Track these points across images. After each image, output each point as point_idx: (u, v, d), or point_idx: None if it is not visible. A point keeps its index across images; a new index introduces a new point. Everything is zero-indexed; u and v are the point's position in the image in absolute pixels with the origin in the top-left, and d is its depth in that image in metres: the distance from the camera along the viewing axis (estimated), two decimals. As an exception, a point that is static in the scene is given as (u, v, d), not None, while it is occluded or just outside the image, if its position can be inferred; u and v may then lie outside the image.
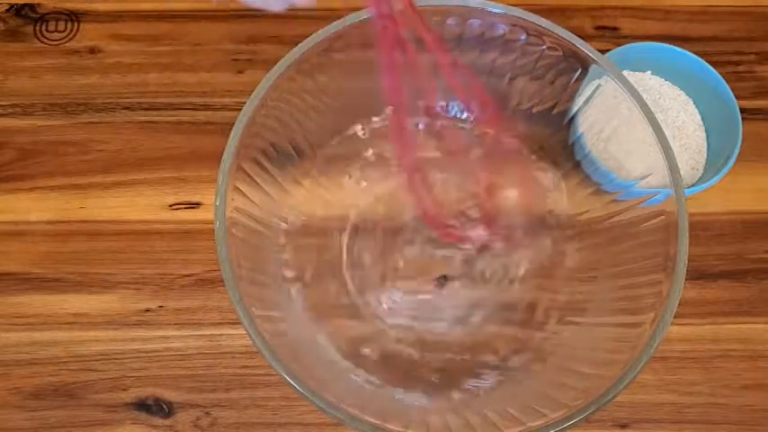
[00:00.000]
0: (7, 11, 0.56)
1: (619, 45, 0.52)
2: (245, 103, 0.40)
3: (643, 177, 0.42)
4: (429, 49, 0.35)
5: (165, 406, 0.46)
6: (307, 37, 0.39)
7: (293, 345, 0.42)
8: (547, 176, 0.50)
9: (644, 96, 0.41)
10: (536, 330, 0.46)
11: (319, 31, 0.35)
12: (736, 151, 0.48)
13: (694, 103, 0.53)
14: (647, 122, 0.40)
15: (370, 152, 0.50)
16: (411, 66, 0.35)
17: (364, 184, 0.49)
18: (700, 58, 0.51)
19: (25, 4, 0.56)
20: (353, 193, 0.49)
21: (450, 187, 0.48)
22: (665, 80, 0.53)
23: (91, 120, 0.53)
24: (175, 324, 0.48)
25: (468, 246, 0.47)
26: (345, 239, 0.48)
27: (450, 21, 0.43)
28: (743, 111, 0.49)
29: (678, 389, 0.47)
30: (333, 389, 0.37)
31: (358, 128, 0.50)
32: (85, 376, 0.47)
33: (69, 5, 0.56)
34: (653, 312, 0.37)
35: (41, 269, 0.49)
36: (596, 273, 0.46)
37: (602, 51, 0.44)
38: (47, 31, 0.56)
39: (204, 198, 0.51)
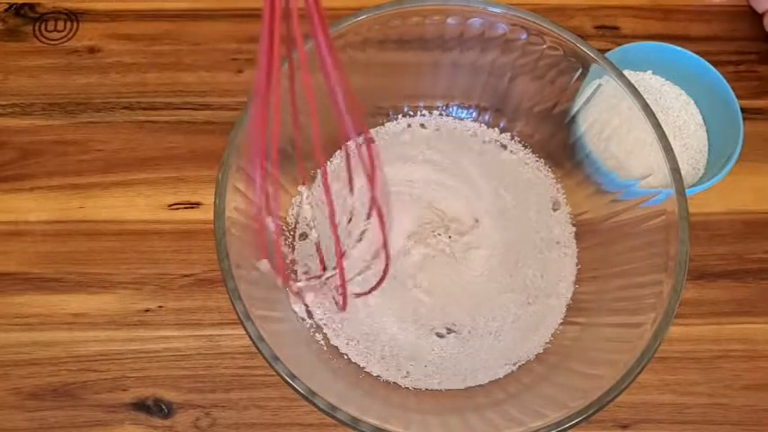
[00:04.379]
0: (6, 10, 0.56)
1: (619, 45, 0.52)
2: (244, 102, 0.40)
3: (643, 177, 0.42)
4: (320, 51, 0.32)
5: (164, 406, 0.46)
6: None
7: (293, 345, 0.42)
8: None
9: (644, 96, 0.41)
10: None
11: (319, 31, 0.35)
12: (737, 151, 0.48)
13: (695, 103, 0.52)
14: (647, 122, 0.40)
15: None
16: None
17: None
18: (700, 58, 0.51)
19: (24, 4, 0.56)
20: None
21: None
22: (666, 80, 0.53)
23: (90, 119, 0.53)
24: (175, 324, 0.48)
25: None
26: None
27: (450, 20, 0.43)
28: (744, 110, 0.49)
29: (678, 389, 0.47)
30: (334, 390, 0.37)
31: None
32: (85, 376, 0.47)
33: (68, 5, 0.56)
34: (653, 312, 0.37)
35: (41, 269, 0.49)
36: (596, 273, 0.46)
37: (603, 51, 0.44)
38: (46, 30, 0.56)
39: (204, 198, 0.51)
